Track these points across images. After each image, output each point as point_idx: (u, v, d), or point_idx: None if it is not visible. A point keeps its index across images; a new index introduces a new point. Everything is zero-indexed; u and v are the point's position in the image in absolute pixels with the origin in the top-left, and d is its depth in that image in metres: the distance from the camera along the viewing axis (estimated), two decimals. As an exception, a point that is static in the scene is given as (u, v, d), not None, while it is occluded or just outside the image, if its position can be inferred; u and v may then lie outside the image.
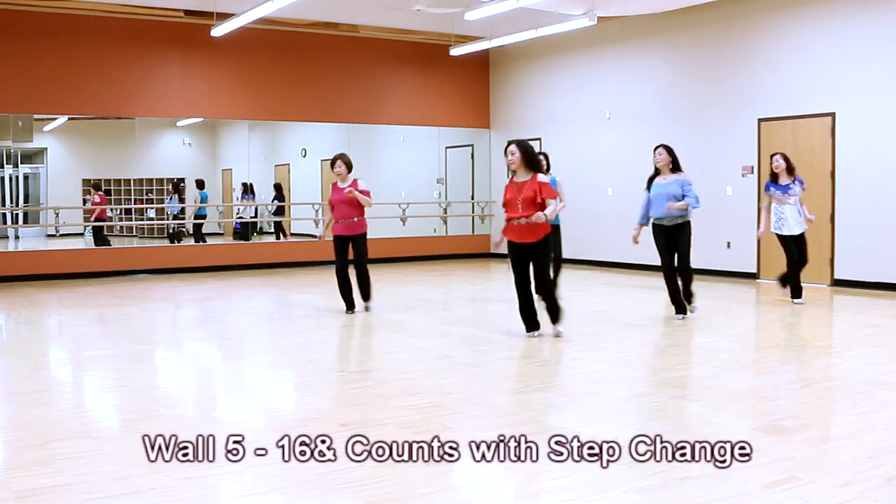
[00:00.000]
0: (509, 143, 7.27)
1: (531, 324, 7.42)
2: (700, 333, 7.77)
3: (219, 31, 12.20)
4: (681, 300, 8.51)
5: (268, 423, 4.85)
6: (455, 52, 14.43)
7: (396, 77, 15.68)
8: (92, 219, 14.95)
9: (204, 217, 16.94)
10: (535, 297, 7.42)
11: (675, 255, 8.49)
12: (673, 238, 8.43)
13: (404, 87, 15.81)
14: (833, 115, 10.98)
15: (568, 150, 14.90)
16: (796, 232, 9.27)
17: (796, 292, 9.38)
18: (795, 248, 9.27)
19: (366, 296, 9.05)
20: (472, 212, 16.82)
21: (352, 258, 8.91)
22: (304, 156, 18.88)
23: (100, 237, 14.79)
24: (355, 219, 8.79)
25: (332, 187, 8.95)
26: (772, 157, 9.51)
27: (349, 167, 8.81)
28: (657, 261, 12.81)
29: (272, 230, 17.86)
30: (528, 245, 7.13)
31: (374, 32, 14.75)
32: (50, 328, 9.00)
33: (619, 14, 13.00)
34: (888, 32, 10.41)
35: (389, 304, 10.01)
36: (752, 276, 11.81)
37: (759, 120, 11.85)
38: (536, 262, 7.19)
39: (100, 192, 15.10)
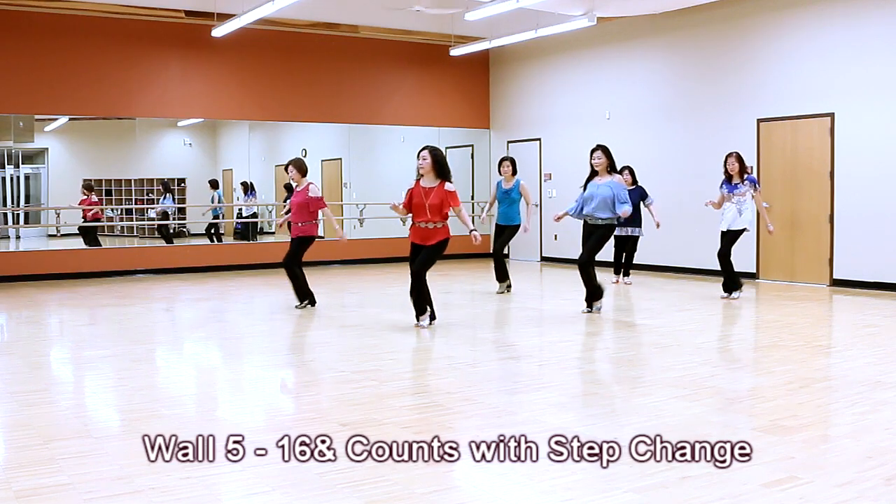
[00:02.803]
0: (423, 149, 7.73)
1: (421, 311, 7.93)
2: (700, 333, 7.78)
3: (219, 31, 12.22)
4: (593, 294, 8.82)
5: (268, 423, 4.86)
6: (455, 52, 14.44)
7: (396, 77, 15.68)
8: (80, 218, 14.91)
9: (218, 217, 16.96)
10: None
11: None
12: (591, 236, 8.67)
13: (404, 87, 15.82)
14: (832, 115, 10.99)
15: (568, 151, 14.91)
16: (724, 227, 9.74)
17: (727, 287, 9.89)
18: (725, 244, 9.77)
19: (299, 296, 9.36)
20: (472, 212, 16.81)
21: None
22: (305, 156, 18.88)
23: (90, 238, 14.74)
24: (300, 223, 9.25)
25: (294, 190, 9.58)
26: (727, 157, 9.79)
27: (301, 172, 9.30)
28: (655, 260, 12.86)
29: (272, 230, 17.87)
30: (423, 246, 7.73)
31: (374, 33, 14.76)
32: (50, 328, 9.01)
33: (618, 14, 13.00)
34: (888, 32, 10.42)
35: (389, 304, 10.02)
36: (751, 276, 11.82)
37: (759, 120, 11.86)
38: (422, 254, 7.74)
39: (93, 192, 15.00)
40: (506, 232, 10.55)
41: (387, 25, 14.45)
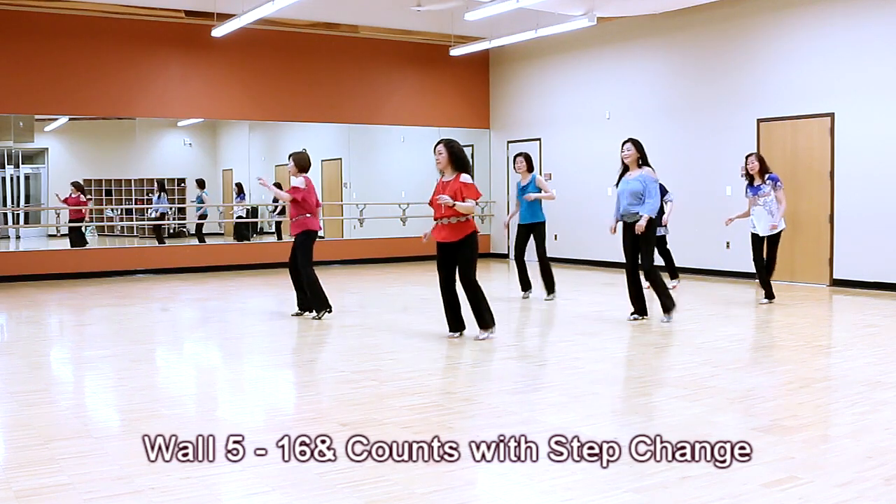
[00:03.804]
0: (438, 143, 7.26)
1: (454, 324, 7.44)
2: (700, 333, 7.77)
3: (219, 31, 12.21)
4: (642, 302, 8.39)
5: (268, 423, 4.86)
6: (455, 52, 14.43)
7: (396, 77, 15.68)
8: (68, 218, 14.90)
9: (205, 217, 16.95)
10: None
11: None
12: (636, 237, 8.12)
13: (404, 87, 15.82)
14: (832, 115, 10.99)
15: (568, 151, 14.92)
16: (761, 233, 9.35)
17: (767, 293, 9.48)
18: (761, 249, 9.35)
19: (313, 302, 8.66)
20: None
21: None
22: (305, 155, 18.90)
23: (76, 238, 14.71)
24: (293, 219, 8.60)
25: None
26: (746, 157, 9.49)
27: (299, 167, 8.58)
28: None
29: (272, 230, 17.89)
30: (450, 244, 7.19)
31: (374, 33, 14.76)
32: (50, 328, 9.01)
33: (618, 14, 13.00)
34: (888, 32, 10.42)
35: (389, 304, 10.02)
36: (751, 276, 11.80)
37: (759, 120, 11.86)
38: (459, 261, 7.20)
39: (80, 192, 14.95)
40: (536, 233, 10.04)
41: (387, 25, 14.46)
